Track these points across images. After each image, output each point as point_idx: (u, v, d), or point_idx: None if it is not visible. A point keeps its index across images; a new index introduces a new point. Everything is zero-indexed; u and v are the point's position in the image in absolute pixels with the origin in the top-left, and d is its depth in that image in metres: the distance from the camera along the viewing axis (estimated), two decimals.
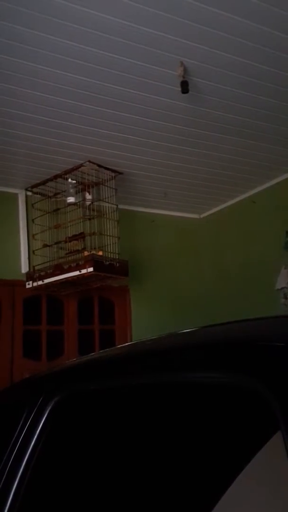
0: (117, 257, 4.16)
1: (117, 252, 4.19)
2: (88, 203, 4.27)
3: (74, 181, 4.22)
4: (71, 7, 2.49)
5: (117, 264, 4.13)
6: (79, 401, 1.30)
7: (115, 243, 4.21)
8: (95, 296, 4.76)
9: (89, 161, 4.06)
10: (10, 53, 2.79)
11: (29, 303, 4.49)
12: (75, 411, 1.32)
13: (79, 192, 4.29)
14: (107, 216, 4.31)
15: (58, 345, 4.56)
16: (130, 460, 1.12)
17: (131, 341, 4.68)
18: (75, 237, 4.28)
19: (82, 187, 4.28)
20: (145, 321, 4.82)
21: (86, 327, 4.71)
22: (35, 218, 4.46)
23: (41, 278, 4.23)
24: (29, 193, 4.53)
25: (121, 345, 2.65)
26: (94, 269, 3.96)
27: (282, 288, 4.44)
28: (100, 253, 4.13)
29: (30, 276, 4.33)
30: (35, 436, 1.27)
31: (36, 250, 4.41)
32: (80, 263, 4.04)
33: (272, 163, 4.35)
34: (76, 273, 4.03)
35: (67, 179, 4.22)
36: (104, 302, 4.85)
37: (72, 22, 2.59)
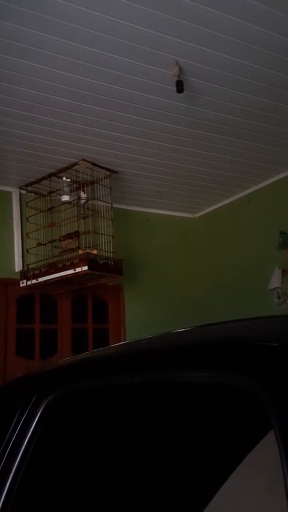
0: (111, 256, 4.16)
1: (111, 251, 4.19)
2: (82, 201, 4.27)
3: (68, 180, 4.22)
4: (67, 6, 2.48)
5: (112, 263, 4.13)
6: (73, 400, 1.30)
7: (110, 242, 4.21)
8: (89, 295, 4.75)
9: (84, 160, 4.06)
10: (7, 51, 2.78)
11: (23, 301, 4.48)
12: (69, 410, 1.32)
13: (73, 191, 4.29)
14: (102, 215, 4.30)
15: (52, 344, 4.56)
16: (124, 459, 1.12)
17: (124, 340, 4.68)
18: (69, 236, 4.27)
19: (76, 186, 4.28)
20: (139, 320, 4.82)
21: (80, 326, 4.70)
22: (29, 217, 4.45)
23: (35, 276, 4.22)
24: (23, 192, 4.52)
25: (115, 344, 2.65)
26: (88, 267, 3.96)
27: (276, 288, 4.46)
28: (95, 252, 4.12)
29: (24, 274, 4.32)
30: (28, 435, 1.27)
31: (30, 248, 4.40)
32: (75, 261, 4.03)
33: (266, 163, 4.37)
34: (71, 271, 4.03)
35: (61, 177, 4.21)
36: (98, 301, 4.85)
37: (68, 21, 2.59)
